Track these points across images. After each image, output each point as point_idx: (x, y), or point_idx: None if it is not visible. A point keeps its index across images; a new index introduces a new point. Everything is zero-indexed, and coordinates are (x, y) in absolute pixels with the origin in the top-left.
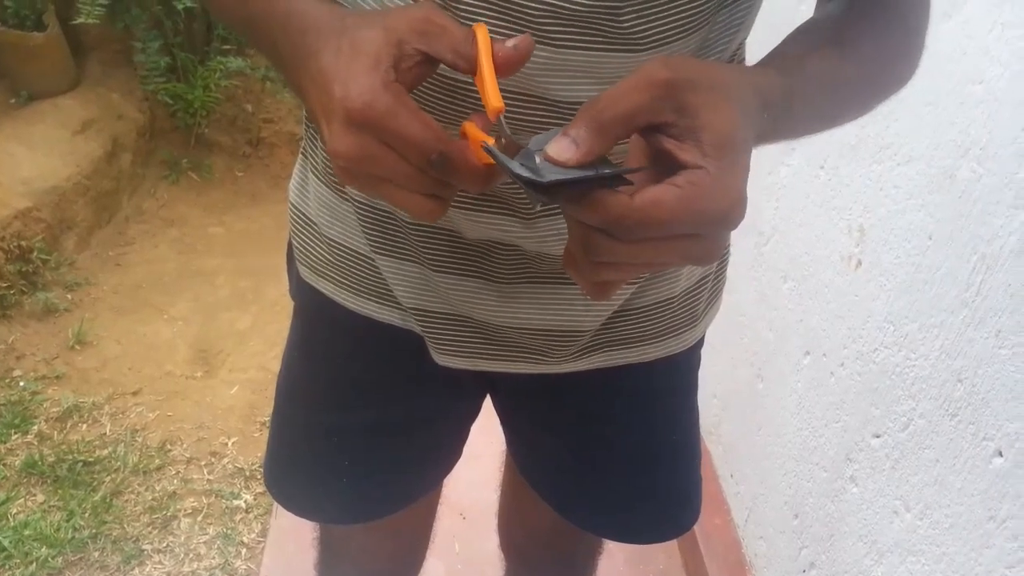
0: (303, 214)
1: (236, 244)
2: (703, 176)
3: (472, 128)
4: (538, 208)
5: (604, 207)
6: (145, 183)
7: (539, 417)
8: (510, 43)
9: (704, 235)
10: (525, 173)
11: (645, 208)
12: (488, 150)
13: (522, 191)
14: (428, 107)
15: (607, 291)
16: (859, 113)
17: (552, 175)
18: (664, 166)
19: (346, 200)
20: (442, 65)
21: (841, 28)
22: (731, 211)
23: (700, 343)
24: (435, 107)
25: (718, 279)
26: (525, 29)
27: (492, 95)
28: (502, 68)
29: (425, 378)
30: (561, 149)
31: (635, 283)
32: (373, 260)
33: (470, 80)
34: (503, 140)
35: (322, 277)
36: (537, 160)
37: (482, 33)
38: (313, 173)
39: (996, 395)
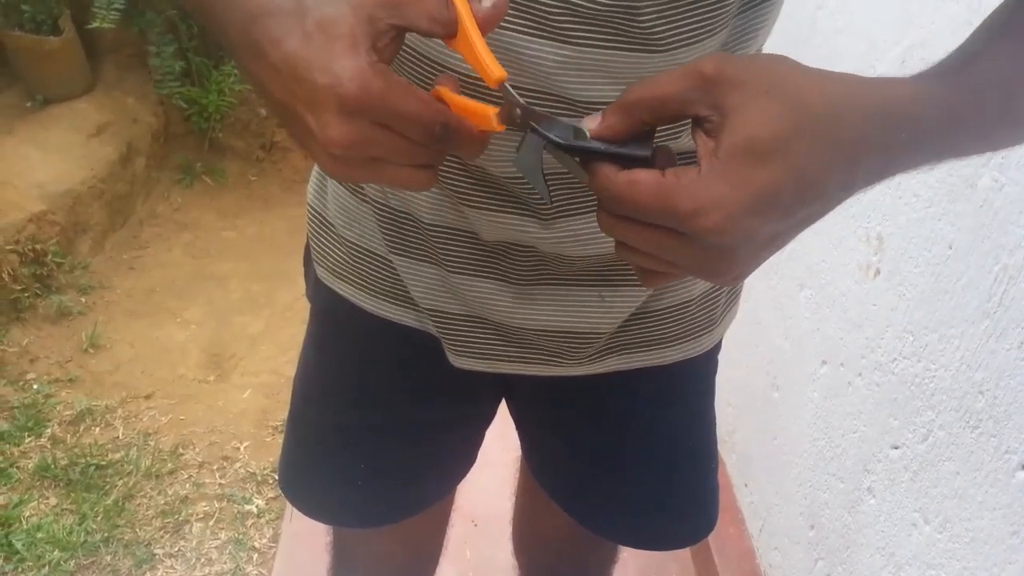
0: (321, 215)
1: (249, 248)
2: (690, 173)
3: (448, 93)
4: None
5: (592, 172)
6: (159, 187)
7: (555, 420)
8: (487, 2)
9: (692, 237)
10: (549, 134)
11: (621, 183)
12: (515, 120)
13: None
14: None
15: (648, 280)
16: None
17: (578, 143)
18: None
19: (364, 201)
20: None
21: (1013, 16)
22: (699, 216)
23: (717, 347)
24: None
25: None
26: (542, 27)
27: (491, 64)
28: (483, 28)
29: (441, 380)
30: (588, 119)
31: None
32: (390, 261)
33: (455, 59)
34: (518, 110)
35: (339, 278)
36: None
37: None
38: None
39: (1019, 407)
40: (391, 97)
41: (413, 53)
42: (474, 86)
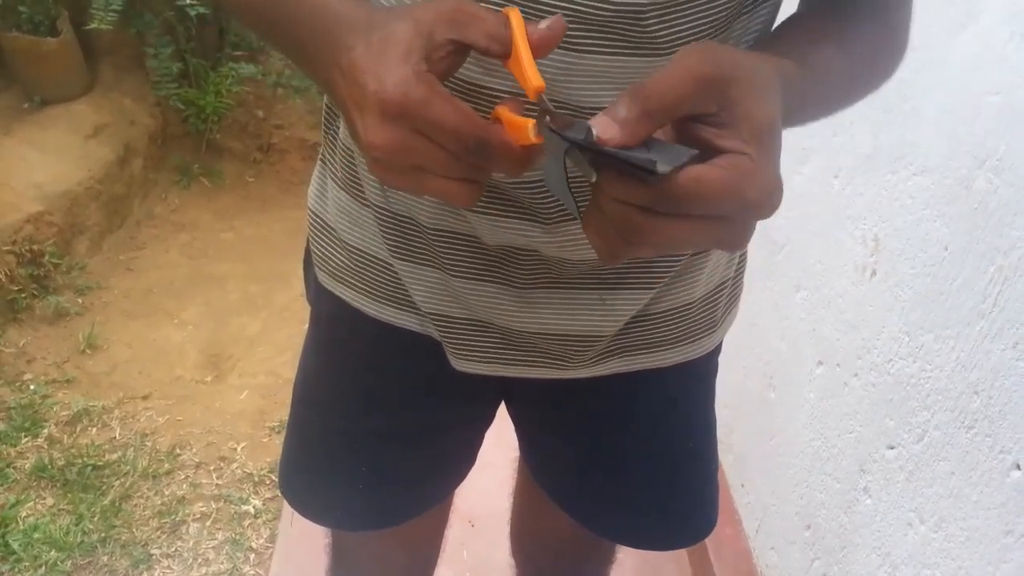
0: (322, 219)
1: (246, 249)
2: (746, 161)
3: (506, 112)
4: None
5: (646, 183)
6: (156, 188)
7: (555, 422)
8: (543, 24)
9: (736, 219)
10: (580, 139)
11: (688, 184)
12: (543, 128)
13: (545, 194)
14: None
15: (616, 262)
16: (846, 106)
17: (601, 148)
18: (703, 155)
19: (365, 205)
20: (464, 71)
21: (832, 23)
22: (772, 196)
23: (718, 350)
24: None
25: (736, 285)
26: None
27: (532, 74)
28: (537, 50)
29: (442, 383)
30: (606, 128)
31: (654, 287)
32: (392, 265)
33: (494, 81)
34: (547, 117)
35: (340, 282)
36: (594, 134)
37: (516, 16)
38: (332, 179)
39: (1013, 408)
40: (430, 105)
41: (467, 84)
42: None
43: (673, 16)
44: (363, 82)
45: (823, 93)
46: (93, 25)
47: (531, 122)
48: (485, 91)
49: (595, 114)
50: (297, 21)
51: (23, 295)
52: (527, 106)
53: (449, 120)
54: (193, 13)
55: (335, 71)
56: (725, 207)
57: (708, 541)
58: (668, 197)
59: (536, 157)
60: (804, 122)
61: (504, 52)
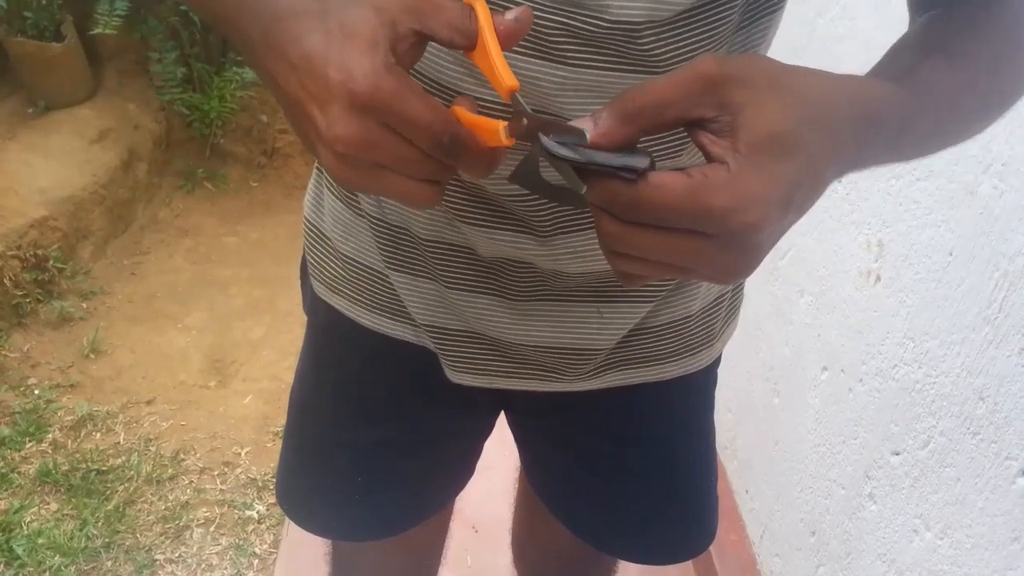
0: (317, 229)
1: (250, 254)
2: (719, 171)
3: (464, 112)
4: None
5: (604, 184)
6: (160, 193)
7: (553, 435)
8: (510, 15)
9: (718, 237)
10: (558, 149)
11: (645, 189)
12: (517, 136)
13: (540, 206)
14: None
15: (633, 281)
16: (979, 126)
17: (578, 155)
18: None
19: (361, 216)
20: (439, 69)
21: (945, 36)
22: (738, 213)
23: (717, 362)
24: None
25: (735, 297)
26: (540, 48)
27: (504, 73)
28: (504, 42)
29: (439, 395)
30: (580, 125)
31: (651, 300)
32: (387, 276)
33: (467, 84)
34: (525, 120)
35: (336, 293)
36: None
37: (481, 6)
38: (328, 189)
39: (1019, 414)
40: (402, 98)
41: (423, 78)
42: (487, 112)
43: (669, 34)
44: (324, 73)
45: (942, 114)
46: (97, 30)
47: (502, 124)
48: (455, 93)
49: None
50: (238, 7)
51: (27, 300)
52: (482, 105)
53: (422, 115)
54: (197, 18)
55: (281, 64)
56: (687, 218)
57: (712, 548)
58: (625, 201)
59: (503, 158)
60: (927, 150)
61: (468, 44)
